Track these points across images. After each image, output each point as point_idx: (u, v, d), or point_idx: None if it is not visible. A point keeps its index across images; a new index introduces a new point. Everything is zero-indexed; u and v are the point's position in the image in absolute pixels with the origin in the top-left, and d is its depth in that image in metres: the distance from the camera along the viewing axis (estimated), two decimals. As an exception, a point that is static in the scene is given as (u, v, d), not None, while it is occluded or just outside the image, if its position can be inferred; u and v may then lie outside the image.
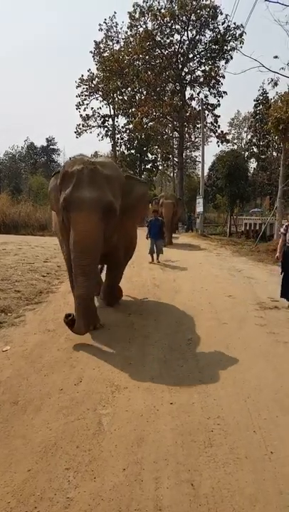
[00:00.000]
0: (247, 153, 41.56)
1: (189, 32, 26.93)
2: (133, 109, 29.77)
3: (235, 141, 50.47)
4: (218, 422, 2.79)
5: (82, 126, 34.74)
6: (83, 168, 4.16)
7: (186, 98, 28.20)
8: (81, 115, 34.50)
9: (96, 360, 3.86)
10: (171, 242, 14.99)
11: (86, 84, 33.83)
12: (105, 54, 31.96)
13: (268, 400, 3.10)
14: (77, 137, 35.25)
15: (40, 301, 6.09)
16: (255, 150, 42.28)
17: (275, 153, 40.33)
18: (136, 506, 2.01)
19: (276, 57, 12.43)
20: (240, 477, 2.23)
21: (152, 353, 4.08)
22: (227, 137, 30.65)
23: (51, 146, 51.79)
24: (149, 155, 38.64)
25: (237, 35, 26.14)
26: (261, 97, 38.28)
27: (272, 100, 18.26)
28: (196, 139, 36.56)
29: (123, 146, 36.45)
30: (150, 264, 9.99)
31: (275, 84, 13.57)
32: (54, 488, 2.13)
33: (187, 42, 27.17)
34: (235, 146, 47.48)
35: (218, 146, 29.39)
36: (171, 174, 43.27)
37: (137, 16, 27.36)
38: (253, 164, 42.60)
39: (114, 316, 5.29)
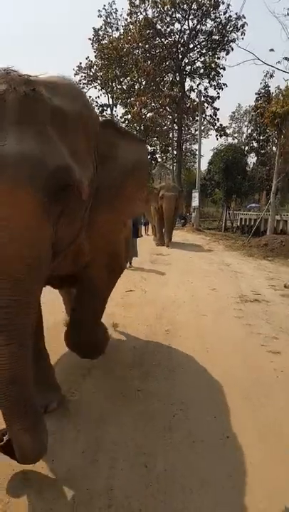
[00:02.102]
0: (247, 147, 41.43)
1: (190, 21, 26.62)
2: (132, 99, 29.55)
3: (236, 134, 50.29)
4: (181, 407, 2.88)
5: (81, 116, 34.45)
6: (6, 91, 1.78)
7: (186, 89, 28.01)
8: (80, 104, 34.21)
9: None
10: (168, 242, 13.36)
11: (84, 72, 33.51)
12: (104, 41, 31.59)
13: (232, 388, 3.18)
14: (75, 127, 34.97)
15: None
16: (255, 144, 42.11)
17: (274, 148, 40.36)
18: (88, 485, 2.09)
19: (272, 50, 12.42)
20: (194, 460, 2.32)
21: (128, 342, 4.17)
22: (226, 131, 30.56)
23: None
24: (148, 147, 38.47)
25: (239, 25, 25.96)
26: (263, 91, 38.10)
27: (274, 94, 18.21)
28: (196, 132, 36.39)
29: (122, 137, 36.19)
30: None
31: (271, 76, 13.52)
32: (12, 467, 2.21)
33: (188, 31, 26.89)
34: (236, 140, 47.34)
35: (217, 139, 29.32)
36: (171, 167, 43.11)
37: (137, 2, 27.01)
38: (252, 159, 42.56)
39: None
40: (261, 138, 40.21)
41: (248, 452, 2.40)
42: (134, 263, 8.57)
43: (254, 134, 41.58)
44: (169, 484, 2.12)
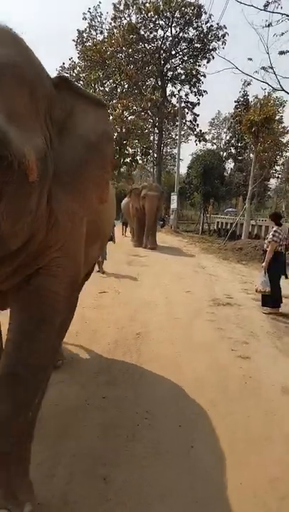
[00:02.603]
0: (225, 153, 42.02)
1: (173, 28, 26.88)
2: (114, 101, 29.49)
3: (215, 141, 50.95)
4: (146, 416, 2.78)
5: (62, 117, 34.13)
6: None
7: (167, 94, 28.17)
8: (61, 105, 33.90)
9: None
10: (156, 244, 12.80)
11: (67, 73, 33.20)
12: (88, 44, 31.44)
13: (200, 395, 3.12)
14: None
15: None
16: (233, 151, 42.78)
17: (251, 155, 41.11)
18: (40, 500, 1.97)
19: (250, 59, 12.55)
20: (155, 471, 2.23)
21: (97, 347, 4.05)
22: (205, 136, 30.91)
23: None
24: (129, 149, 38.42)
25: (220, 35, 26.35)
26: (242, 99, 38.78)
27: (252, 103, 18.54)
28: (176, 136, 36.65)
29: (102, 139, 36.05)
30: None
31: (248, 84, 13.76)
32: None
33: (170, 38, 27.11)
34: (215, 146, 47.97)
35: (196, 144, 29.62)
36: (151, 170, 43.21)
37: (121, 7, 27.07)
38: (230, 165, 43.17)
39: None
40: (239, 145, 40.93)
41: (212, 462, 2.33)
42: (106, 266, 8.20)
43: (232, 141, 42.32)
44: (128, 498, 2.02)
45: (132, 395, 3.06)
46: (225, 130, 49.69)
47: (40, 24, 72.97)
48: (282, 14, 12.09)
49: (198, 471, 2.25)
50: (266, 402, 3.10)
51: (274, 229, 5.95)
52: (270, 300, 5.79)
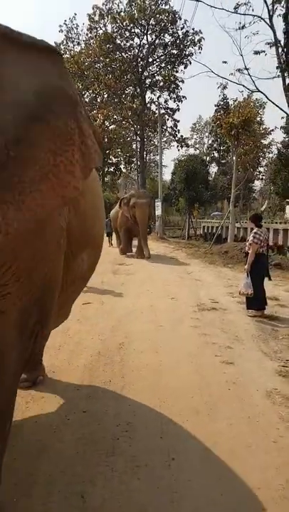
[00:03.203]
0: (208, 157, 42.44)
1: (149, 36, 27.21)
2: (94, 112, 29.62)
3: (197, 145, 51.51)
4: (126, 428, 2.73)
5: (43, 128, 34.11)
6: None
7: (147, 102, 28.41)
8: (41, 116, 33.89)
9: (18, 368, 3.71)
10: (149, 254, 12.39)
11: (46, 86, 33.28)
12: (66, 55, 31.59)
13: (182, 405, 3.08)
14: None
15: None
16: (216, 155, 43.23)
17: (234, 158, 41.56)
18: (16, 524, 1.90)
19: (225, 62, 12.86)
20: (135, 486, 2.18)
21: (79, 359, 3.99)
22: (188, 142, 31.21)
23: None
24: (113, 158, 38.54)
25: (196, 40, 26.74)
26: (222, 102, 39.32)
27: (232, 106, 18.78)
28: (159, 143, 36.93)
29: (85, 149, 36.10)
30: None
31: (224, 87, 13.96)
32: None
33: (147, 46, 27.41)
34: (198, 151, 48.45)
35: (178, 150, 29.87)
36: (136, 177, 43.39)
37: (96, 18, 27.31)
38: (214, 169, 43.60)
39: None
40: (221, 148, 41.40)
41: (193, 474, 2.29)
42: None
43: (214, 145, 42.78)
44: (106, 516, 1.96)
45: (112, 408, 3.01)
46: (207, 134, 50.31)
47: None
48: (254, 16, 12.30)
49: (179, 484, 2.20)
50: (250, 407, 3.08)
51: (254, 231, 5.98)
52: (255, 302, 5.80)
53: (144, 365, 3.82)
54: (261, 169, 37.84)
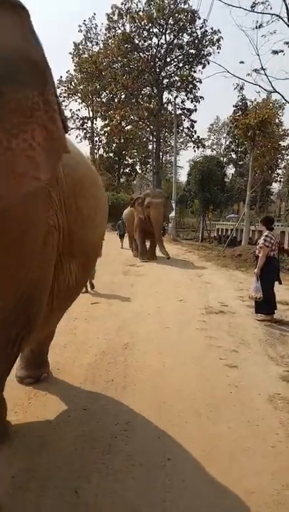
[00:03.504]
0: (225, 159, 42.15)
1: (167, 35, 27.23)
2: (111, 112, 29.79)
3: (214, 146, 51.21)
4: (125, 428, 2.75)
5: (61, 128, 34.53)
6: None
7: (164, 102, 28.42)
8: (59, 117, 34.32)
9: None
10: (167, 254, 12.02)
11: (65, 86, 33.71)
12: (84, 56, 31.91)
13: (182, 406, 3.08)
14: (55, 139, 34.91)
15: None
16: (233, 156, 42.92)
17: (250, 160, 41.06)
18: (10, 516, 1.95)
19: (242, 62, 12.63)
20: (129, 485, 2.20)
21: (84, 358, 4.03)
22: (205, 143, 31.15)
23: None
24: (128, 159, 38.70)
25: (214, 40, 26.63)
26: (240, 103, 38.99)
27: (251, 107, 18.62)
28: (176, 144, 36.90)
29: (102, 149, 36.41)
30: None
31: (241, 88, 13.82)
32: None
33: (165, 45, 27.43)
34: (215, 152, 48.19)
35: (194, 151, 29.80)
36: (151, 178, 43.46)
37: (115, 17, 27.50)
38: (231, 170, 43.30)
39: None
40: (239, 149, 41.09)
41: (189, 475, 2.30)
42: (99, 278, 7.30)
43: (232, 146, 42.50)
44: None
45: (113, 407, 3.04)
46: (224, 135, 49.98)
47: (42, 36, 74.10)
48: (272, 15, 12.17)
49: (173, 485, 2.21)
50: (250, 411, 3.07)
51: (265, 234, 5.93)
52: (264, 306, 5.75)
53: (148, 366, 3.84)
54: (279, 171, 37.39)
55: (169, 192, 37.57)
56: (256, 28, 12.44)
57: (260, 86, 13.00)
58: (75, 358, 4.02)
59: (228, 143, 45.43)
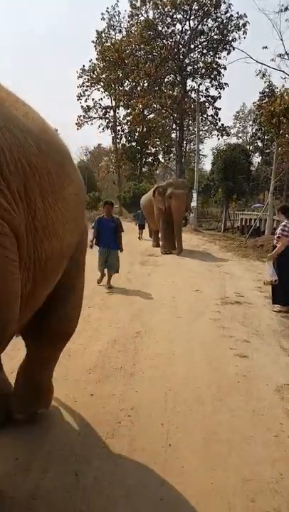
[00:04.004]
0: (251, 147, 41.14)
1: (191, 21, 26.69)
2: (133, 101, 29.60)
3: (240, 134, 50.06)
4: (130, 413, 2.80)
5: (83, 118, 34.72)
6: None
7: (187, 90, 27.97)
8: (82, 106, 34.50)
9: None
10: (181, 249, 11.31)
11: (88, 75, 33.71)
12: (107, 44, 31.74)
13: (188, 394, 3.10)
14: (78, 129, 35.23)
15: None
16: (259, 144, 41.82)
17: (280, 149, 39.92)
18: (12, 494, 2.03)
19: (265, 47, 12.17)
20: (128, 468, 2.24)
21: (95, 345, 4.10)
22: (231, 130, 30.53)
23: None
24: (151, 148, 38.45)
25: (240, 25, 25.88)
26: (267, 90, 37.82)
27: (278, 94, 18.03)
28: (200, 132, 36.33)
29: (124, 139, 36.34)
30: (99, 285, 6.71)
31: (263, 75, 13.34)
32: None
33: (189, 32, 26.89)
34: (240, 140, 47.11)
35: (218, 139, 29.25)
36: (174, 167, 43.08)
37: (138, 4, 27.15)
38: (257, 159, 42.26)
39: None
40: (266, 137, 39.94)
41: (187, 461, 2.32)
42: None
43: (258, 134, 41.34)
44: (95, 494, 2.05)
45: (119, 393, 3.09)
46: (250, 123, 48.74)
47: (67, 28, 74.30)
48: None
49: (171, 470, 2.24)
50: (257, 401, 3.05)
51: (283, 223, 5.80)
52: (282, 296, 5.64)
53: (157, 354, 3.87)
54: (308, 159, 36.17)
55: (192, 181, 37.33)
56: (280, 11, 11.95)
57: (283, 72, 12.51)
58: (86, 345, 4.10)
59: (254, 130, 44.27)
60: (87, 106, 34.50)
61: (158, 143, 36.14)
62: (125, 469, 2.24)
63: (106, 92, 34.62)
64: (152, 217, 12.82)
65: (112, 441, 2.48)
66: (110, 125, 35.67)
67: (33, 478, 2.16)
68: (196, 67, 28.11)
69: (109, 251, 6.60)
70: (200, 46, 27.66)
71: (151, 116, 30.40)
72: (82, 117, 34.71)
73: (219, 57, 26.96)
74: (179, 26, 26.87)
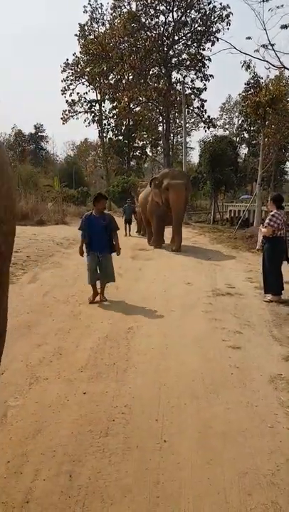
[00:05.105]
0: (238, 138, 41.18)
1: (174, 13, 26.38)
2: (119, 94, 29.30)
3: (227, 126, 50.08)
4: (123, 410, 2.76)
5: (69, 112, 34.33)
6: None
7: (172, 82, 27.76)
8: (67, 101, 34.08)
9: (26, 351, 3.81)
10: (179, 246, 10.36)
11: (72, 69, 33.28)
12: (90, 37, 31.32)
13: (182, 388, 3.08)
14: (63, 123, 34.80)
15: (-4, 291, 5.98)
16: (246, 135, 41.87)
17: (266, 139, 39.99)
18: (4, 499, 1.98)
19: (249, 38, 12.05)
20: (123, 467, 2.21)
21: (87, 343, 4.05)
22: (217, 122, 30.47)
23: (39, 133, 51.20)
24: (139, 141, 38.22)
25: (223, 15, 25.69)
26: (252, 81, 37.77)
27: (263, 84, 17.99)
28: (187, 124, 36.15)
29: (110, 133, 36.05)
30: (91, 303, 5.43)
31: (248, 66, 13.27)
32: None
33: (172, 23, 26.61)
34: (227, 132, 47.14)
35: (205, 131, 29.15)
36: (162, 161, 42.89)
37: (120, -5, 26.75)
38: (244, 150, 42.33)
39: (63, 306, 5.26)
40: (252, 128, 40.00)
41: (183, 457, 2.29)
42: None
43: (244, 125, 41.38)
44: (90, 495, 2.01)
45: (112, 390, 3.05)
46: (236, 114, 48.76)
47: (50, 22, 73.05)
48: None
49: (167, 467, 2.21)
50: (251, 392, 3.04)
51: (272, 213, 5.79)
52: (274, 286, 5.65)
53: (150, 349, 3.84)
54: (293, 150, 36.32)
55: (180, 174, 37.21)
56: (262, 1, 11.85)
57: (268, 62, 12.44)
58: (78, 343, 4.04)
59: (240, 122, 44.29)
60: (72, 100, 34.12)
61: (145, 136, 35.91)
62: (121, 469, 2.20)
63: (91, 86, 34.24)
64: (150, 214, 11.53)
65: (106, 440, 2.44)
66: (96, 119, 35.35)
67: (27, 480, 2.11)
68: (180, 58, 27.87)
69: (102, 256, 5.44)
70: (184, 38, 27.40)
71: (138, 109, 30.14)
72: (67, 112, 34.31)
73: (203, 49, 26.76)
74: (162, 18, 26.56)
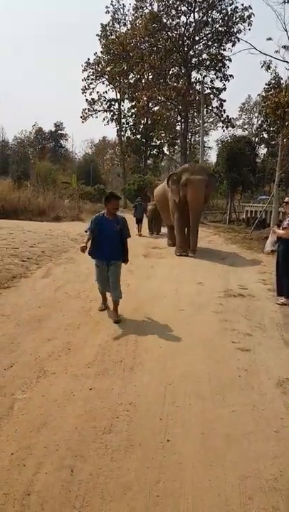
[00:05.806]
0: (257, 138, 40.68)
1: (196, 13, 26.22)
2: (138, 93, 29.33)
3: (246, 126, 49.53)
4: (128, 408, 2.77)
5: (88, 111, 34.55)
6: None
7: (191, 82, 27.60)
8: (87, 99, 34.33)
9: (36, 346, 3.84)
10: (195, 247, 9.60)
11: (92, 68, 33.45)
12: (111, 37, 31.44)
13: (188, 388, 3.06)
14: (82, 122, 35.03)
15: (10, 285, 6.09)
16: (265, 136, 41.32)
17: (285, 140, 39.33)
18: (6, 490, 2.01)
19: (270, 39, 11.88)
20: (124, 464, 2.21)
21: (96, 339, 4.07)
22: (235, 122, 30.15)
23: (59, 131, 51.70)
24: (156, 140, 38.13)
25: (245, 16, 25.38)
26: (273, 81, 37.24)
27: (284, 85, 17.71)
28: (205, 124, 35.90)
29: (128, 131, 36.09)
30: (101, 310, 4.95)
31: (268, 67, 13.05)
32: None
33: (194, 24, 26.46)
34: (246, 132, 46.60)
35: (223, 131, 28.87)
36: (179, 160, 42.69)
37: (142, -4, 26.74)
38: (263, 150, 41.79)
39: (74, 302, 5.29)
40: (271, 129, 39.43)
41: (186, 457, 2.28)
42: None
43: (264, 125, 40.82)
44: (90, 490, 2.02)
45: (118, 387, 3.06)
46: (256, 115, 48.20)
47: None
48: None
49: (169, 466, 2.21)
50: (257, 395, 3.00)
51: None
52: (287, 289, 5.56)
53: (157, 347, 3.83)
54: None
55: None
56: (284, 2, 11.65)
57: (288, 62, 12.19)
58: (87, 339, 4.06)
59: (259, 122, 43.73)
60: (92, 99, 34.32)
61: (163, 135, 35.83)
62: (122, 466, 2.20)
63: (111, 85, 34.37)
64: (167, 211, 10.82)
65: (110, 437, 2.45)
66: (115, 118, 35.45)
67: (29, 473, 2.14)
68: (200, 59, 27.67)
69: (112, 264, 4.71)
70: (205, 38, 27.20)
71: (156, 108, 30.11)
72: (87, 110, 34.53)
73: (224, 49, 26.51)
74: (183, 18, 26.45)
